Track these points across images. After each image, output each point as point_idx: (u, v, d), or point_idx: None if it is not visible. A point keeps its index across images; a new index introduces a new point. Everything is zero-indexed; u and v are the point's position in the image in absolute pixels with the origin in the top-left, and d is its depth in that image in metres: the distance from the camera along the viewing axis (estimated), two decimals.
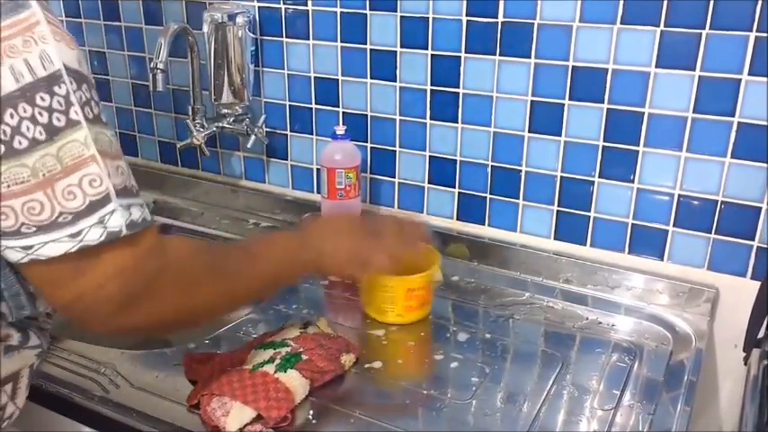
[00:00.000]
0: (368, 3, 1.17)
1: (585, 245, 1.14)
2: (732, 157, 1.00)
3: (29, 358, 0.71)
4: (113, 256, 0.57)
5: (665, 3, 0.97)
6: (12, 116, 0.51)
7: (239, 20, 1.24)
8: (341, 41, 1.22)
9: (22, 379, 0.71)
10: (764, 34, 0.93)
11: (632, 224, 1.10)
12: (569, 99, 1.07)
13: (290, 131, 1.33)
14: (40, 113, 0.52)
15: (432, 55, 1.15)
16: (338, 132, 1.14)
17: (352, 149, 1.18)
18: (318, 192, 1.34)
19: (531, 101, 1.10)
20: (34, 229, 0.54)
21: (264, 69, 1.31)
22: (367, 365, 0.92)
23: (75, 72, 0.55)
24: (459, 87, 1.15)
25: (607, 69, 1.03)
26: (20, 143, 0.52)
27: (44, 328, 0.72)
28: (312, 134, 1.31)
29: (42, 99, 0.52)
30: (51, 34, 0.53)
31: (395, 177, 1.26)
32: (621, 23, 1.00)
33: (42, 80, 0.52)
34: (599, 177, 1.09)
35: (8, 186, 0.52)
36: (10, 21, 0.51)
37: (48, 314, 0.73)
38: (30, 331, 0.69)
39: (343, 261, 0.84)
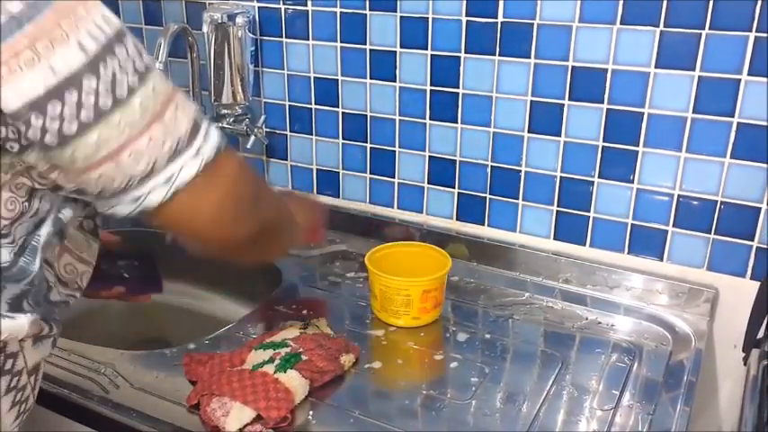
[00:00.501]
0: (367, 3, 1.17)
1: (585, 245, 1.14)
2: (732, 157, 1.00)
3: (48, 348, 0.72)
4: (228, 161, 0.63)
5: (665, 3, 0.97)
6: (105, 70, 0.55)
7: (239, 20, 1.24)
8: (340, 42, 1.22)
9: (40, 372, 0.72)
10: (764, 34, 0.93)
11: (632, 224, 1.10)
12: (569, 99, 1.07)
13: (290, 132, 1.33)
14: (125, 62, 0.56)
15: (431, 55, 1.15)
16: None
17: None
18: (317, 192, 1.34)
19: (531, 101, 1.10)
20: (165, 160, 0.58)
21: (264, 69, 1.31)
22: (367, 366, 0.93)
23: (125, 29, 0.59)
24: (458, 87, 1.15)
25: (607, 69, 1.03)
26: (121, 91, 0.56)
27: (58, 319, 0.72)
28: (312, 134, 1.31)
29: (120, 51, 0.56)
30: (99, 2, 0.57)
31: (394, 177, 1.26)
32: (621, 23, 1.00)
33: (114, 36, 0.56)
34: (598, 177, 1.09)
35: (127, 132, 0.56)
36: None
37: (64, 302, 0.74)
38: (51, 321, 0.70)
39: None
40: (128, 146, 0.56)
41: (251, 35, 1.27)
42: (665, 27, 0.98)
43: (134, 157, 0.57)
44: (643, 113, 1.03)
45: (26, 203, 0.63)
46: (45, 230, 0.65)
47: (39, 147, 0.56)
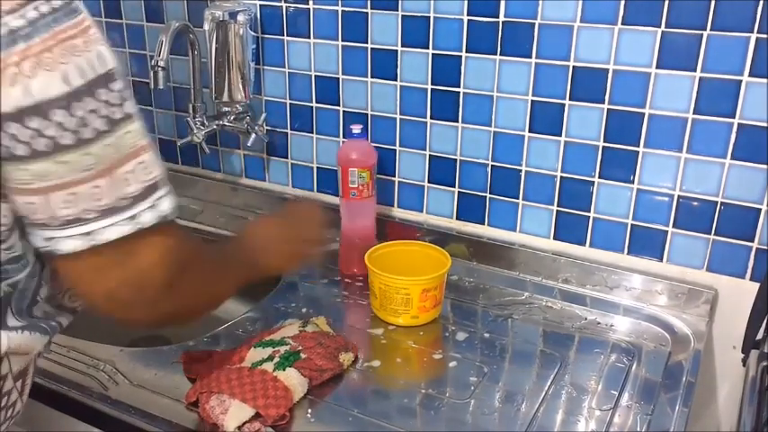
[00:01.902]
0: (369, 1, 1.17)
1: (585, 245, 1.14)
2: (732, 158, 1.00)
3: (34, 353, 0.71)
4: (162, 239, 0.61)
5: (666, 3, 0.97)
6: (79, 109, 0.55)
7: (240, 18, 1.24)
8: (342, 40, 1.22)
9: (29, 375, 0.72)
10: (765, 35, 0.93)
11: (632, 225, 1.10)
12: (570, 99, 1.07)
13: (291, 130, 1.33)
14: (101, 107, 0.56)
15: (432, 54, 1.15)
16: (354, 131, 1.13)
17: (367, 149, 1.15)
18: (318, 190, 1.34)
19: (532, 101, 1.10)
20: (95, 214, 0.57)
21: (265, 67, 1.31)
22: (366, 364, 0.93)
23: (120, 72, 0.59)
24: (459, 87, 1.15)
25: (608, 70, 1.03)
26: (85, 134, 0.55)
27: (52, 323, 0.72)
28: (312, 132, 1.31)
29: (102, 94, 0.56)
30: (101, 37, 0.58)
31: (395, 176, 1.26)
32: (622, 24, 1.00)
33: (102, 77, 0.56)
34: (599, 178, 1.09)
35: (72, 175, 0.56)
36: (71, 22, 0.55)
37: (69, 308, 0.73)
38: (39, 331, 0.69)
39: (283, 262, 0.89)
40: (66, 187, 0.56)
41: (252, 33, 1.27)
42: (666, 27, 0.98)
43: (66, 200, 0.56)
44: (644, 114, 1.03)
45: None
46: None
47: None
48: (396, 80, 1.20)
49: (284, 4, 1.25)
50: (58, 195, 0.56)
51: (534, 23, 1.06)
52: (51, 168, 0.55)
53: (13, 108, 0.53)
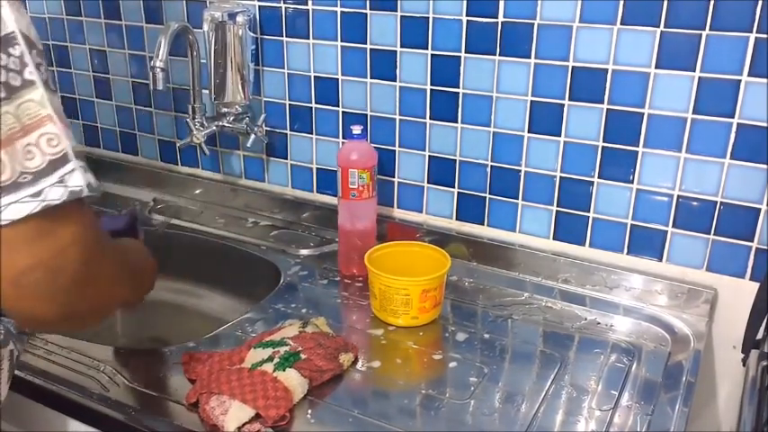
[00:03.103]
0: (368, 2, 1.17)
1: (584, 245, 1.14)
2: (731, 158, 1.00)
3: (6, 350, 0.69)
4: (77, 218, 0.56)
5: (666, 3, 0.97)
6: None
7: (239, 19, 1.24)
8: (341, 41, 1.22)
9: (2, 372, 0.70)
10: (764, 35, 0.93)
11: (631, 225, 1.10)
12: (569, 99, 1.07)
13: (290, 131, 1.33)
14: None
15: (432, 55, 1.15)
16: (355, 132, 1.12)
17: (368, 150, 1.15)
18: (317, 191, 1.34)
19: (531, 101, 1.10)
20: None
21: (264, 68, 1.31)
22: (366, 365, 0.93)
23: (26, 37, 0.55)
24: (459, 87, 1.15)
25: (607, 70, 1.03)
26: None
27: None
28: (312, 133, 1.31)
29: None
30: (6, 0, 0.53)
31: (394, 177, 1.26)
32: (621, 24, 1.00)
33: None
34: (598, 178, 1.09)
35: None
36: None
37: None
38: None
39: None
40: None
41: (251, 34, 1.27)
42: (665, 27, 0.98)
43: None
44: (643, 114, 1.03)
45: None
46: None
47: None
48: (395, 81, 1.20)
49: (283, 5, 1.25)
50: None
51: (533, 24, 1.06)
52: None
53: None
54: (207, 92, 1.32)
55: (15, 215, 0.52)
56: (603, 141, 1.07)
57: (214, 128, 1.33)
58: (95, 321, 0.65)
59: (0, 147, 0.51)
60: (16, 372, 0.87)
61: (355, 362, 0.92)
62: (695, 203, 1.04)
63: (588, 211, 1.12)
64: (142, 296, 0.86)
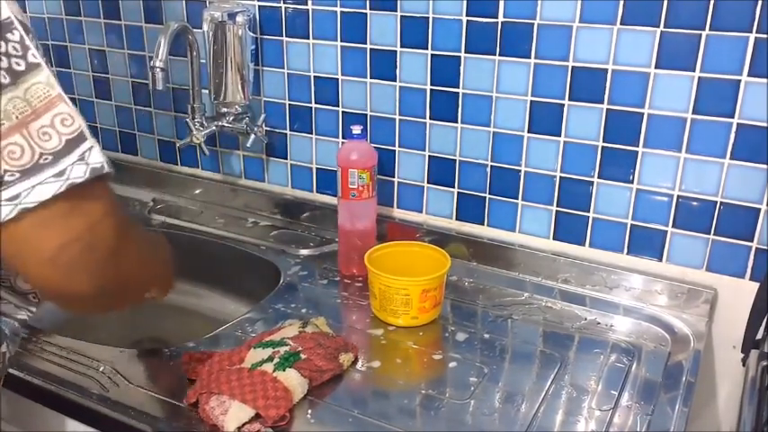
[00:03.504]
0: (368, 2, 1.17)
1: (584, 245, 1.14)
2: (731, 158, 1.00)
3: None
4: (102, 194, 0.56)
5: (665, 3, 0.97)
6: None
7: (239, 19, 1.24)
8: (341, 41, 1.22)
9: None
10: (764, 35, 0.93)
11: (631, 225, 1.10)
12: (569, 99, 1.07)
13: (290, 131, 1.33)
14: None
15: (432, 55, 1.15)
16: (354, 132, 1.12)
17: (367, 150, 1.14)
18: (317, 191, 1.34)
19: (531, 101, 1.10)
20: (18, 174, 0.52)
21: (264, 68, 1.31)
22: (366, 365, 0.93)
23: (21, 22, 0.55)
24: (458, 87, 1.15)
25: (607, 70, 1.03)
26: None
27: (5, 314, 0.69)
28: (312, 133, 1.31)
29: None
30: None
31: (394, 177, 1.26)
32: (621, 24, 1.00)
33: None
34: (598, 178, 1.09)
35: None
36: None
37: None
38: None
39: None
40: None
41: (251, 34, 1.27)
42: (665, 27, 0.98)
43: None
44: (643, 114, 1.03)
45: None
46: None
47: None
48: (395, 81, 1.20)
49: (283, 5, 1.25)
50: None
51: (533, 24, 1.06)
52: None
53: None
54: (207, 92, 1.32)
55: (42, 196, 0.52)
56: (603, 141, 1.07)
57: (214, 128, 1.33)
58: (127, 301, 0.67)
59: (15, 132, 0.52)
60: (16, 372, 0.87)
61: (355, 362, 0.92)
62: (695, 203, 1.04)
63: (588, 211, 1.12)
64: (168, 284, 0.85)
